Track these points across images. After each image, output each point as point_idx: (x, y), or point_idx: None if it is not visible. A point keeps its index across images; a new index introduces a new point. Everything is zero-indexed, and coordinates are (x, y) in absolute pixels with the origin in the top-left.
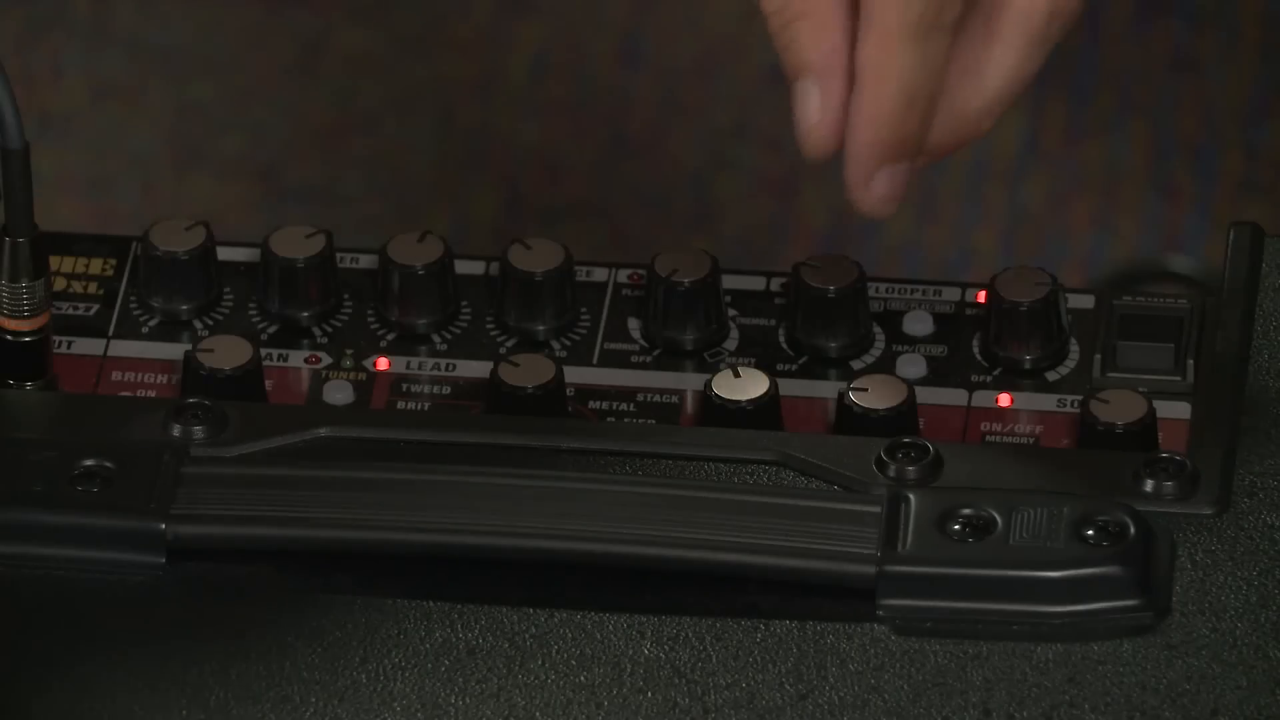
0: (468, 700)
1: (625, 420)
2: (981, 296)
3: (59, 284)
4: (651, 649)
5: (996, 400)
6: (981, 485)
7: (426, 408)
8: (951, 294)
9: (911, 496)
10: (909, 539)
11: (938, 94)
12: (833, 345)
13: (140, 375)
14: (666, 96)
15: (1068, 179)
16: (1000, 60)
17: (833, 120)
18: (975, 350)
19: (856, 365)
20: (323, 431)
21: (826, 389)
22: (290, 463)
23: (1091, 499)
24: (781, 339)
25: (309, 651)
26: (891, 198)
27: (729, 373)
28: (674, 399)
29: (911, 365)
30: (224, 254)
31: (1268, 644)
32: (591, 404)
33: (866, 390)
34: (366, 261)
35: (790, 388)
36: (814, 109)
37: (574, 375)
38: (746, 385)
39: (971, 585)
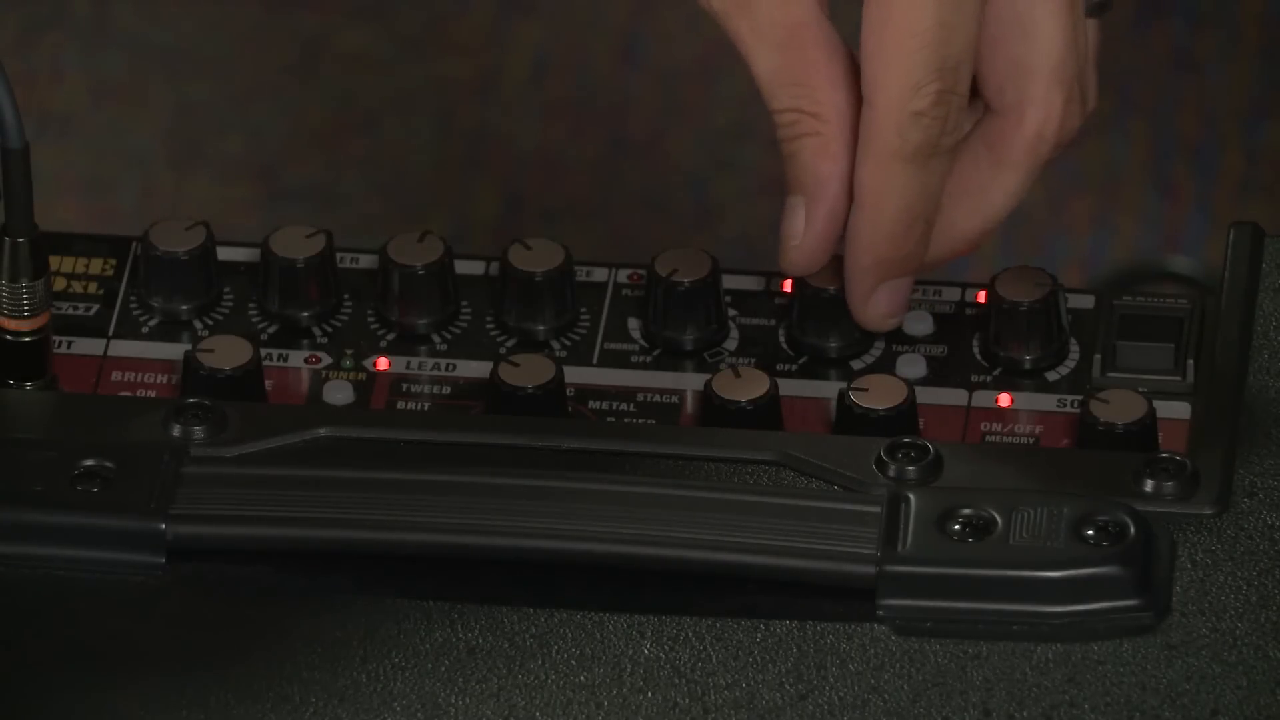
0: (468, 700)
1: (625, 420)
2: (981, 296)
3: (59, 284)
4: (651, 649)
5: (996, 400)
6: (981, 485)
7: (426, 408)
8: (951, 294)
9: (911, 496)
10: (909, 539)
11: (935, 214)
12: (833, 345)
13: (140, 375)
14: (666, 97)
15: (1068, 179)
16: (1004, 186)
17: (811, 246)
18: (975, 350)
19: (856, 365)
20: (323, 431)
21: (826, 389)
22: (290, 463)
23: (1091, 499)
24: (781, 339)
25: (309, 651)
26: (892, 313)
27: (729, 373)
28: (674, 399)
29: (911, 365)
30: (224, 254)
31: (1268, 644)
32: (591, 404)
33: (866, 390)
34: (366, 261)
35: (790, 388)
36: (796, 230)
37: (574, 375)
38: (746, 385)
39: (971, 585)
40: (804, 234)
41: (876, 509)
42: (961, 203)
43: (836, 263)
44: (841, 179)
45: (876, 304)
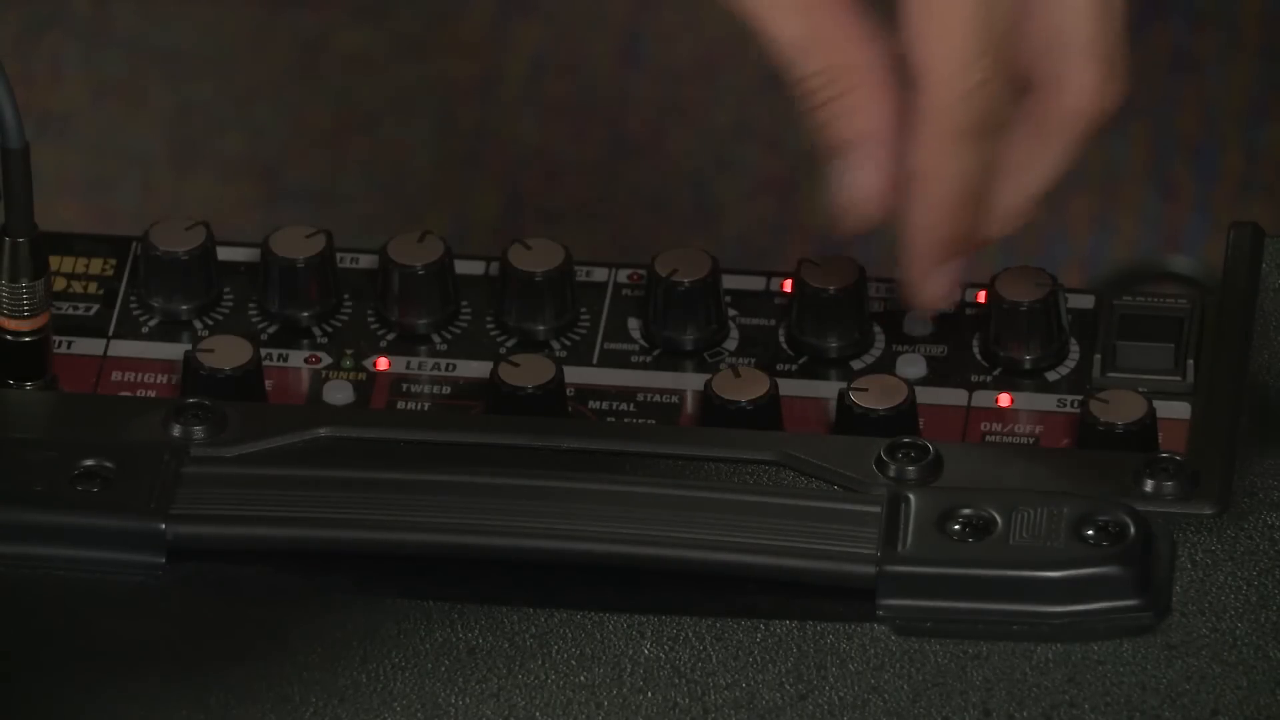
0: (468, 700)
1: (625, 420)
2: (981, 296)
3: (59, 284)
4: (651, 649)
5: (996, 400)
6: (981, 485)
7: (426, 408)
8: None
9: (911, 496)
10: (909, 539)
11: (990, 191)
12: (833, 345)
13: (140, 375)
14: (666, 96)
15: (1068, 179)
16: (1046, 159)
17: (860, 206)
18: (975, 350)
19: (856, 365)
20: (323, 431)
21: (826, 389)
22: (290, 463)
23: (1091, 499)
24: (781, 339)
25: (309, 651)
26: (950, 293)
27: (729, 373)
28: (674, 399)
29: (911, 365)
30: (224, 254)
31: (1268, 644)
32: (591, 404)
33: (866, 390)
34: (366, 261)
35: (790, 388)
36: (863, 185)
37: (574, 375)
38: (746, 385)
39: (971, 585)
40: (854, 193)
41: (876, 509)
42: (1005, 179)
43: (836, 263)
44: (881, 134)
45: (937, 284)
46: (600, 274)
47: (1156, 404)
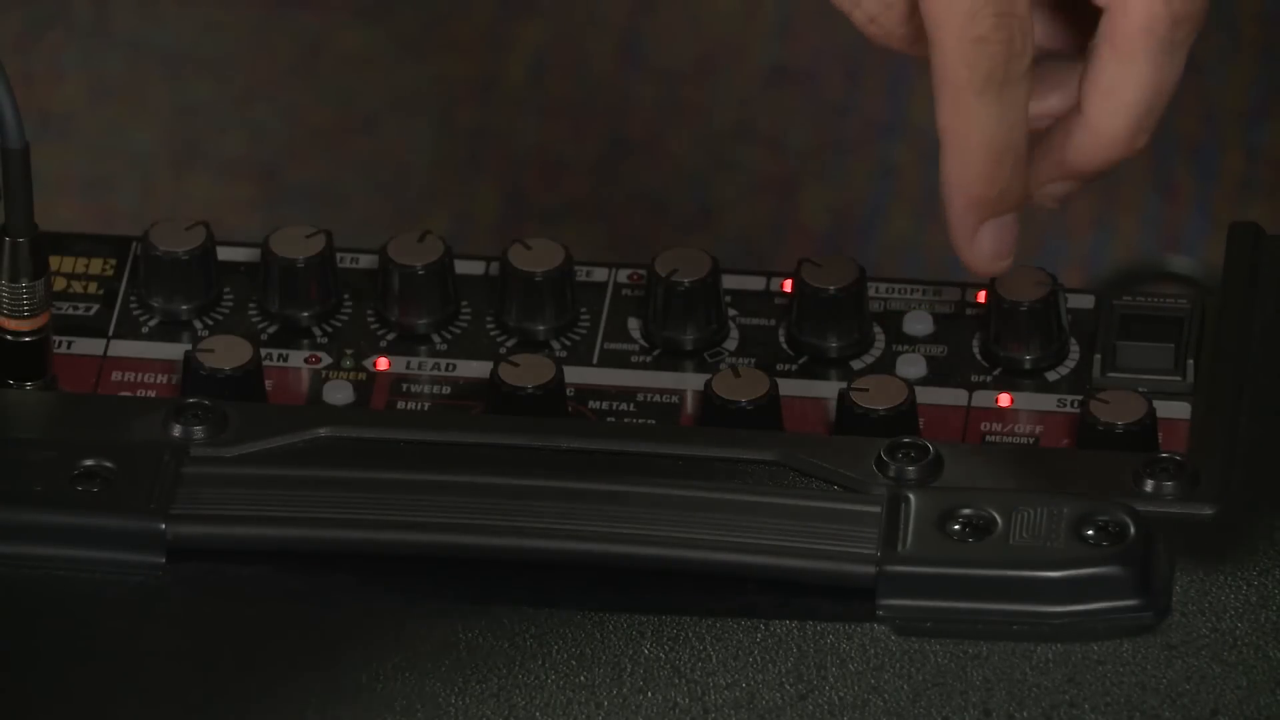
0: (468, 700)
1: (625, 420)
2: (981, 296)
3: (59, 284)
4: (651, 649)
5: (996, 400)
6: (981, 485)
7: (426, 408)
8: (951, 294)
9: (911, 496)
10: (909, 539)
11: (1024, 145)
12: (833, 345)
13: (140, 375)
14: (666, 96)
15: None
16: (1134, 76)
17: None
18: (975, 350)
19: (856, 365)
20: (323, 431)
21: (826, 389)
22: (290, 463)
23: (1091, 499)
24: (781, 339)
25: (309, 652)
26: (1001, 255)
27: (729, 373)
28: (674, 399)
29: (911, 365)
30: (224, 254)
31: (1268, 644)
32: (591, 404)
33: (866, 390)
34: (366, 261)
35: (790, 388)
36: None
37: (574, 375)
38: (746, 385)
39: (971, 585)
40: None
41: (876, 509)
42: (1101, 106)
43: (836, 263)
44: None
45: (981, 247)
46: (600, 274)
47: (1156, 404)
